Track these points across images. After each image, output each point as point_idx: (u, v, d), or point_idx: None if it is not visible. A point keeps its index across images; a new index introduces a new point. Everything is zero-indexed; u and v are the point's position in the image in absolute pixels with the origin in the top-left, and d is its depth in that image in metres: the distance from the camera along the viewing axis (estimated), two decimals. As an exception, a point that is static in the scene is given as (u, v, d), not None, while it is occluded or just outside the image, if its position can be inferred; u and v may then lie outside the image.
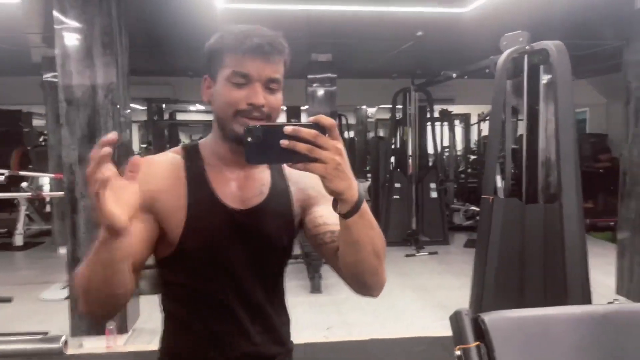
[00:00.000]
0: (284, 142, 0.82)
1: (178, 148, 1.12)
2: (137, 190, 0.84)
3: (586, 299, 3.66)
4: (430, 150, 7.51)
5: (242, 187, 1.07)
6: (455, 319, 1.34)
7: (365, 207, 0.91)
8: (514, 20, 4.67)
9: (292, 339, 1.26)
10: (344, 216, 0.89)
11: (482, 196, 3.75)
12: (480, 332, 1.29)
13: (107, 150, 0.77)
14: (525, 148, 3.99)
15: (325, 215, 1.06)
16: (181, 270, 1.07)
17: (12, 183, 5.70)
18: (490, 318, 1.33)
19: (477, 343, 1.27)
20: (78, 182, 3.47)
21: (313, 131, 0.83)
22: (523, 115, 4.00)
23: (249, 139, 0.85)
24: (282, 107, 1.05)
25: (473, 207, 5.45)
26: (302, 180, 1.12)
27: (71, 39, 3.39)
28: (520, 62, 3.77)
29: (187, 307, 1.09)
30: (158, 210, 1.02)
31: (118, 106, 3.50)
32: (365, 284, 1.02)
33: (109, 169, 0.78)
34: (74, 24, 3.38)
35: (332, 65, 6.73)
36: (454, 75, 4.84)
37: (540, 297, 3.66)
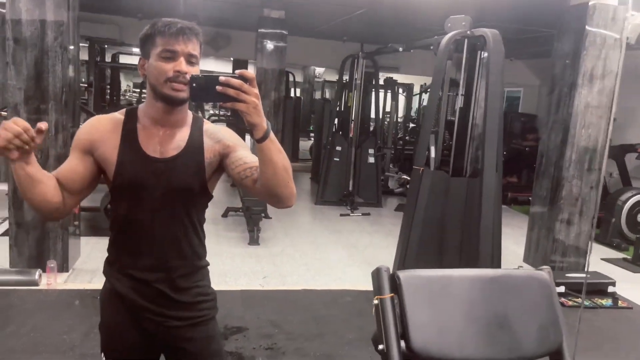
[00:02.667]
0: (218, 88, 1.14)
1: (122, 110, 1.46)
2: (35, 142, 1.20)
3: (496, 264, 4.12)
4: (373, 116, 7.79)
5: (163, 142, 1.39)
6: (376, 274, 1.61)
7: (273, 135, 1.24)
8: (459, 2, 4.92)
9: (224, 279, 1.59)
10: (259, 141, 1.21)
11: (414, 167, 4.07)
12: (395, 286, 1.56)
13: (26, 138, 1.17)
14: (457, 123, 4.31)
15: (244, 157, 1.39)
16: (115, 201, 1.43)
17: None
18: (404, 275, 1.60)
19: (392, 295, 1.54)
20: (22, 122, 3.45)
21: (239, 81, 1.14)
22: (461, 91, 4.31)
23: (194, 84, 1.17)
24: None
25: (405, 176, 5.81)
26: (219, 134, 1.45)
27: (21, -25, 3.30)
28: (461, 43, 4.05)
29: (118, 228, 1.44)
30: (98, 155, 1.38)
31: (67, 47, 3.47)
32: (280, 195, 1.31)
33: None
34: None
35: (284, 22, 6.76)
36: (400, 49, 5.06)
37: (456, 260, 4.07)
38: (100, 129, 1.39)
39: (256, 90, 1.16)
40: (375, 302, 1.56)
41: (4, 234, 4.52)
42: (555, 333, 1.61)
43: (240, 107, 1.15)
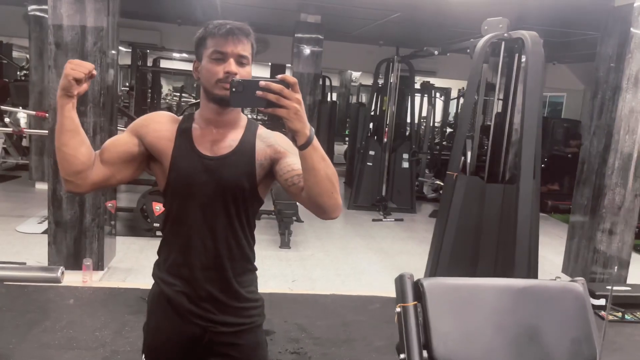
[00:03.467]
0: (258, 93, 1.12)
1: (182, 116, 1.49)
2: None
3: (533, 274, 3.98)
4: (409, 120, 7.70)
5: (216, 141, 1.40)
6: (399, 281, 1.57)
7: (317, 142, 1.21)
8: (499, 4, 4.82)
9: (259, 287, 1.55)
10: (301, 148, 1.19)
11: (447, 172, 3.98)
12: (419, 294, 1.51)
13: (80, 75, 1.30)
14: (494, 128, 4.21)
15: (293, 163, 1.36)
16: (168, 198, 1.43)
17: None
18: (428, 282, 1.56)
19: (415, 303, 1.50)
20: (62, 124, 3.56)
21: (280, 85, 1.11)
22: (498, 96, 4.21)
23: (234, 89, 1.15)
24: (250, 77, 1.35)
25: (439, 181, 5.69)
26: (271, 139, 1.43)
27: (63, -19, 3.41)
28: (498, 46, 3.95)
29: (170, 226, 1.44)
30: (149, 143, 1.40)
31: (107, 52, 3.57)
32: (324, 205, 1.28)
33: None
34: (68, -34, 3.40)
35: (320, 27, 6.77)
36: (436, 52, 4.98)
37: (490, 269, 3.96)
38: (158, 121, 1.42)
39: (298, 96, 1.13)
40: (398, 310, 1.53)
41: (44, 232, 4.68)
42: (588, 347, 1.53)
43: (281, 112, 1.13)
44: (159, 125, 1.42)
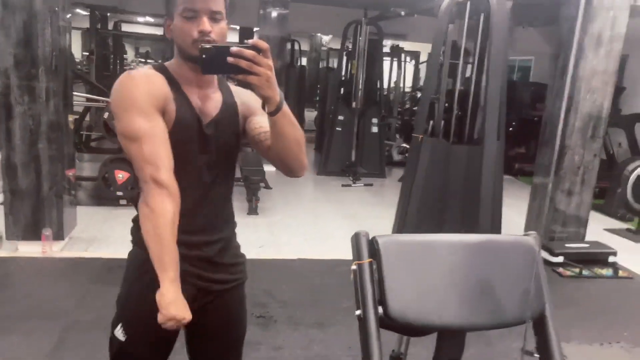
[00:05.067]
0: (230, 59, 1.09)
1: (149, 67, 1.35)
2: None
3: (496, 233, 4.06)
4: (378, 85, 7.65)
5: (203, 102, 1.35)
6: (355, 239, 1.56)
7: (287, 108, 1.21)
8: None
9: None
10: (271, 114, 1.19)
11: (413, 134, 3.99)
12: (374, 251, 1.51)
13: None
14: (459, 91, 4.20)
15: (261, 121, 1.36)
16: None
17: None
18: (383, 240, 1.55)
19: (370, 260, 1.49)
20: (13, 88, 3.41)
21: (252, 52, 1.09)
22: (466, 59, 4.18)
23: (204, 56, 1.11)
24: (226, 33, 1.31)
25: (405, 144, 5.71)
26: (244, 96, 1.42)
27: None
28: (464, 7, 3.91)
29: None
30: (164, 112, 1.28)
31: (57, 10, 3.40)
32: (291, 166, 1.33)
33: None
34: None
35: (286, -12, 6.61)
36: (402, 13, 4.92)
37: (456, 230, 4.02)
38: (160, 82, 1.27)
39: (270, 62, 1.11)
40: (354, 267, 1.53)
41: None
42: (538, 299, 1.56)
43: (253, 79, 1.11)
44: (162, 86, 1.27)
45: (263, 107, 1.20)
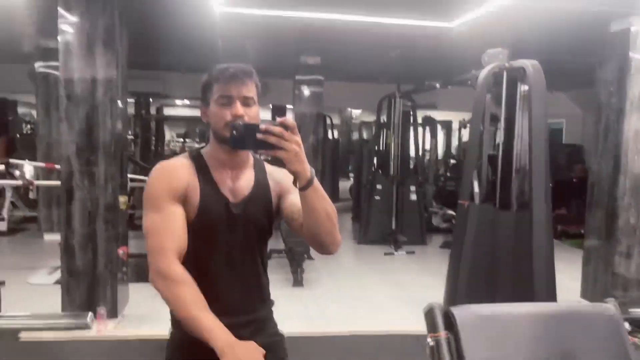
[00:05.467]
0: (259, 136, 1.16)
1: (185, 154, 1.46)
2: None
3: (552, 300, 3.92)
4: (412, 154, 7.75)
5: (234, 183, 1.41)
6: (429, 312, 1.55)
7: (317, 182, 1.24)
8: (495, 36, 4.91)
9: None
10: (302, 189, 1.22)
11: (459, 201, 3.98)
12: (450, 324, 1.49)
13: None
14: (501, 156, 4.23)
15: (295, 200, 1.37)
16: (193, 244, 1.37)
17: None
18: (459, 311, 1.53)
19: (447, 333, 1.47)
20: (75, 173, 3.60)
21: (280, 128, 1.15)
22: (501, 125, 4.25)
23: (234, 132, 1.19)
24: (257, 116, 1.38)
25: (450, 211, 5.68)
26: (278, 175, 1.47)
27: (74, 36, 3.51)
28: (500, 76, 4.02)
29: (195, 273, 1.35)
30: (186, 200, 1.37)
31: (117, 101, 3.64)
32: (323, 242, 1.33)
33: None
34: (78, 21, 3.50)
35: (320, 68, 6.91)
36: (437, 85, 5.07)
37: (509, 297, 3.90)
38: (182, 173, 1.37)
39: (297, 138, 1.17)
40: (430, 341, 1.50)
41: (56, 282, 4.65)
42: (627, 372, 1.50)
43: (282, 154, 1.16)
44: (187, 177, 1.37)
45: (294, 183, 1.23)
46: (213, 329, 1.20)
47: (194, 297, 1.26)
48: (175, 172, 1.37)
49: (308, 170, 1.20)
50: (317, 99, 6.97)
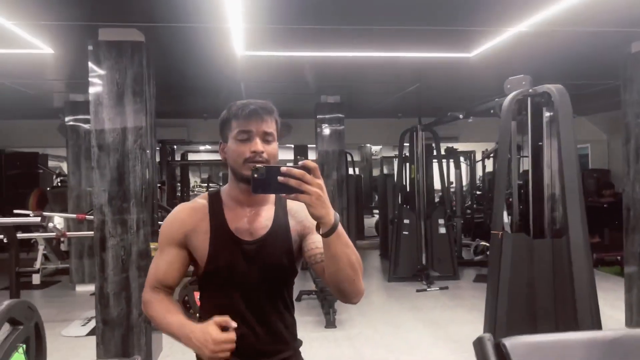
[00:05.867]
0: (280, 179, 1.12)
1: (205, 194, 1.46)
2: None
3: (597, 329, 3.76)
4: (437, 186, 7.69)
5: (251, 222, 1.38)
6: (479, 344, 1.49)
7: (341, 228, 1.18)
8: (515, 63, 4.94)
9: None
10: (324, 235, 1.17)
11: (492, 232, 3.91)
12: (502, 356, 1.43)
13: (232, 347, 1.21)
14: (531, 184, 4.16)
15: (318, 241, 1.33)
16: (207, 289, 1.41)
17: (33, 224, 5.86)
18: (511, 342, 1.47)
19: (500, 366, 1.41)
20: (107, 222, 3.65)
21: (301, 171, 1.12)
22: (528, 152, 4.20)
23: (255, 175, 1.15)
24: (277, 153, 1.38)
25: (483, 243, 5.56)
26: (300, 214, 1.41)
27: (104, 88, 3.63)
28: (524, 103, 4.00)
29: (212, 315, 1.34)
30: (190, 245, 1.38)
31: (146, 150, 3.71)
32: (345, 291, 1.26)
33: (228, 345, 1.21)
34: (108, 73, 3.62)
35: (340, 106, 6.99)
36: (461, 116, 5.06)
37: (551, 327, 3.76)
38: (190, 219, 1.38)
39: (320, 181, 1.13)
40: (483, 377, 1.44)
41: (89, 334, 4.65)
42: (699, 400, 1.41)
43: (304, 198, 1.12)
44: (193, 223, 1.38)
45: (317, 229, 1.18)
46: (176, 330, 1.29)
47: (160, 309, 1.35)
48: (181, 217, 1.39)
49: (332, 214, 1.15)
50: (338, 137, 7.02)
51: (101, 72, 3.63)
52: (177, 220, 1.39)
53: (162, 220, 5.70)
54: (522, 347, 1.51)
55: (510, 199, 4.13)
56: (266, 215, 1.39)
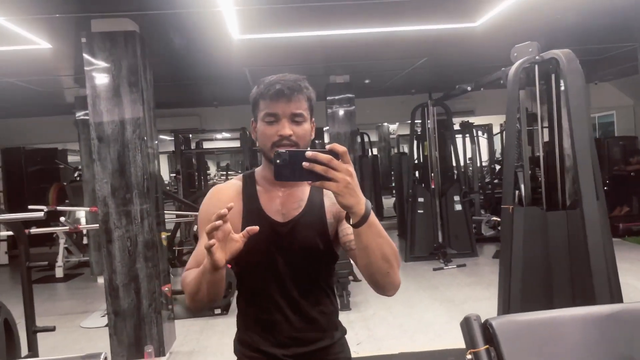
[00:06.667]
0: (305, 164, 1.02)
1: (240, 176, 1.42)
2: (240, 243, 1.15)
3: (617, 302, 3.63)
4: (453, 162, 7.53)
5: (285, 203, 1.32)
6: (465, 325, 1.42)
7: (373, 218, 1.09)
8: (524, 30, 4.73)
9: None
10: (354, 226, 1.08)
11: (502, 206, 3.79)
12: (490, 336, 1.36)
13: (219, 223, 1.09)
14: (544, 156, 4.01)
15: (345, 218, 1.25)
16: (241, 272, 1.35)
17: (52, 218, 5.96)
18: (498, 322, 1.40)
19: (487, 347, 1.34)
20: (112, 214, 3.66)
21: (328, 156, 1.02)
22: (542, 124, 4.04)
23: (278, 161, 1.05)
24: (308, 134, 1.30)
25: (495, 218, 5.41)
26: None
27: (100, 80, 3.61)
28: (532, 71, 3.84)
29: (246, 301, 1.37)
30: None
31: (145, 139, 3.69)
32: (378, 283, 1.19)
33: (222, 230, 1.11)
34: (103, 65, 3.61)
35: (349, 86, 6.86)
36: (469, 88, 4.91)
37: (569, 301, 3.65)
38: (223, 200, 1.32)
39: (349, 166, 1.02)
40: (469, 357, 1.38)
41: (107, 325, 4.71)
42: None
43: (331, 186, 1.02)
44: (226, 203, 1.28)
45: (346, 218, 1.10)
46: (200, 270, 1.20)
47: (191, 278, 1.25)
48: (215, 198, 1.35)
49: (363, 203, 1.05)
50: (350, 117, 6.91)
51: (96, 63, 3.61)
52: (212, 203, 1.34)
53: (170, 211, 5.69)
54: (510, 326, 1.44)
55: (522, 172, 3.98)
56: (300, 196, 1.33)
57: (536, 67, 3.78)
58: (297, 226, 1.30)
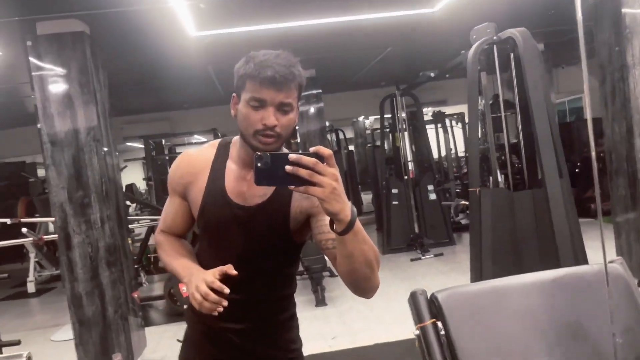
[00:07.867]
0: (288, 168, 0.96)
1: (216, 142, 1.38)
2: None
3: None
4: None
5: (250, 187, 1.26)
6: (412, 300, 1.38)
7: (358, 224, 1.04)
8: (484, 15, 4.71)
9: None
10: (340, 233, 1.03)
11: (469, 189, 3.77)
12: (436, 310, 1.33)
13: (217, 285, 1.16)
14: (506, 138, 4.01)
15: (328, 225, 1.14)
16: (200, 244, 1.40)
17: (20, 233, 5.78)
18: (444, 295, 1.36)
19: (433, 320, 1.30)
20: (70, 221, 3.55)
21: (313, 159, 0.95)
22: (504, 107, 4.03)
23: (259, 164, 0.99)
24: (293, 125, 1.23)
25: (463, 202, 5.42)
26: None
27: (49, 83, 3.50)
28: (492, 52, 3.82)
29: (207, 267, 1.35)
30: (188, 197, 1.35)
31: (101, 141, 3.59)
32: (359, 287, 1.18)
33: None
34: (51, 67, 3.49)
35: (316, 81, 6.77)
36: (432, 74, 4.89)
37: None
38: (191, 170, 1.33)
39: (334, 170, 0.97)
40: (416, 332, 1.34)
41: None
42: (644, 336, 1.30)
43: (316, 192, 0.96)
44: (193, 175, 1.33)
45: (330, 226, 1.04)
46: (180, 271, 1.29)
47: (170, 252, 1.37)
48: (182, 167, 1.36)
49: (348, 209, 0.99)
50: (318, 114, 6.84)
51: (43, 67, 3.50)
52: (179, 171, 1.35)
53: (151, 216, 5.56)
54: (456, 298, 1.41)
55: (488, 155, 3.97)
56: None
57: (495, 47, 3.76)
58: (256, 214, 1.26)
